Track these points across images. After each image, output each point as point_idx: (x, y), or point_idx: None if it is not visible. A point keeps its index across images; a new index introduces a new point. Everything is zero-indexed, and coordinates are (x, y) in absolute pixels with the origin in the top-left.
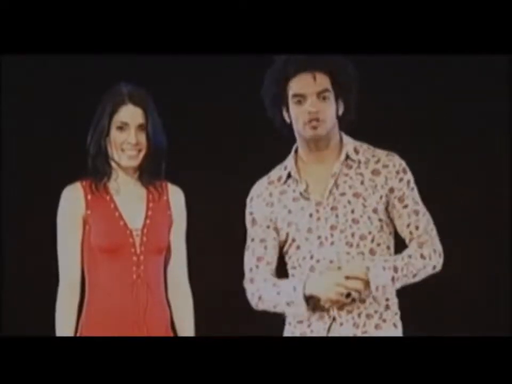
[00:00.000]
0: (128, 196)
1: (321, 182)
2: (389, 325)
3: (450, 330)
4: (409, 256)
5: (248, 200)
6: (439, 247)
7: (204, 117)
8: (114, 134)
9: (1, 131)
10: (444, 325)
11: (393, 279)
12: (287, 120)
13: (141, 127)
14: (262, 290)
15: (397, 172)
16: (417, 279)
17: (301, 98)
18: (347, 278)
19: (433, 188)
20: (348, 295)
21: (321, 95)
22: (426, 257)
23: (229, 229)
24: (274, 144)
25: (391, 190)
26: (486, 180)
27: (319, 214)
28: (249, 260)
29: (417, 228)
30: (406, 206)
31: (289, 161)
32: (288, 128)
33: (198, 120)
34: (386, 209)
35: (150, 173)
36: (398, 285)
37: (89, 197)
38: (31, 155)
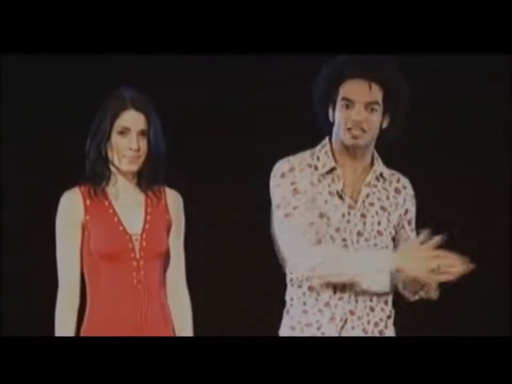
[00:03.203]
0: (127, 201)
1: (353, 187)
2: (389, 332)
3: (450, 330)
4: None
5: (285, 170)
6: None
7: (203, 120)
8: (115, 138)
9: (0, 131)
10: (443, 325)
11: None
12: (331, 119)
13: (142, 133)
14: (334, 254)
15: (412, 196)
16: None
17: (349, 103)
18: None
19: (432, 186)
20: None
21: (369, 106)
22: None
23: (227, 231)
24: (274, 148)
25: (406, 212)
26: (486, 180)
27: (350, 217)
28: (299, 223)
29: None
30: (412, 230)
31: (327, 154)
32: (330, 127)
33: (196, 123)
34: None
35: (148, 178)
36: None
37: (88, 202)
38: (31, 155)
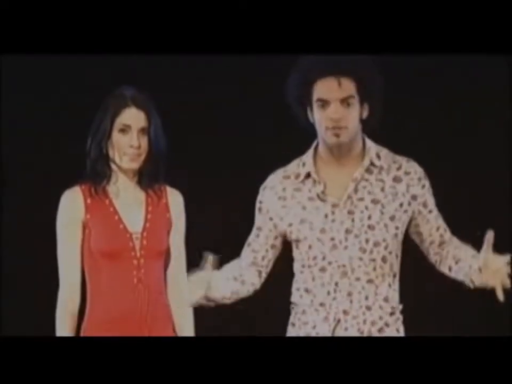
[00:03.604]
0: (128, 200)
1: (340, 185)
2: (392, 329)
3: (450, 330)
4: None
5: (261, 188)
6: None
7: (203, 120)
8: (116, 136)
9: (0, 131)
10: (444, 325)
11: None
12: (311, 120)
13: (143, 130)
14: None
15: (419, 179)
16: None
17: (323, 103)
18: None
19: (432, 186)
20: None
21: (345, 101)
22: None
23: (227, 231)
24: (274, 147)
25: (414, 197)
26: (486, 180)
27: (335, 216)
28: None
29: (445, 230)
30: (431, 211)
31: (308, 158)
32: (312, 127)
33: (196, 122)
34: (411, 217)
35: (149, 176)
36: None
37: (88, 200)
38: (31, 155)
